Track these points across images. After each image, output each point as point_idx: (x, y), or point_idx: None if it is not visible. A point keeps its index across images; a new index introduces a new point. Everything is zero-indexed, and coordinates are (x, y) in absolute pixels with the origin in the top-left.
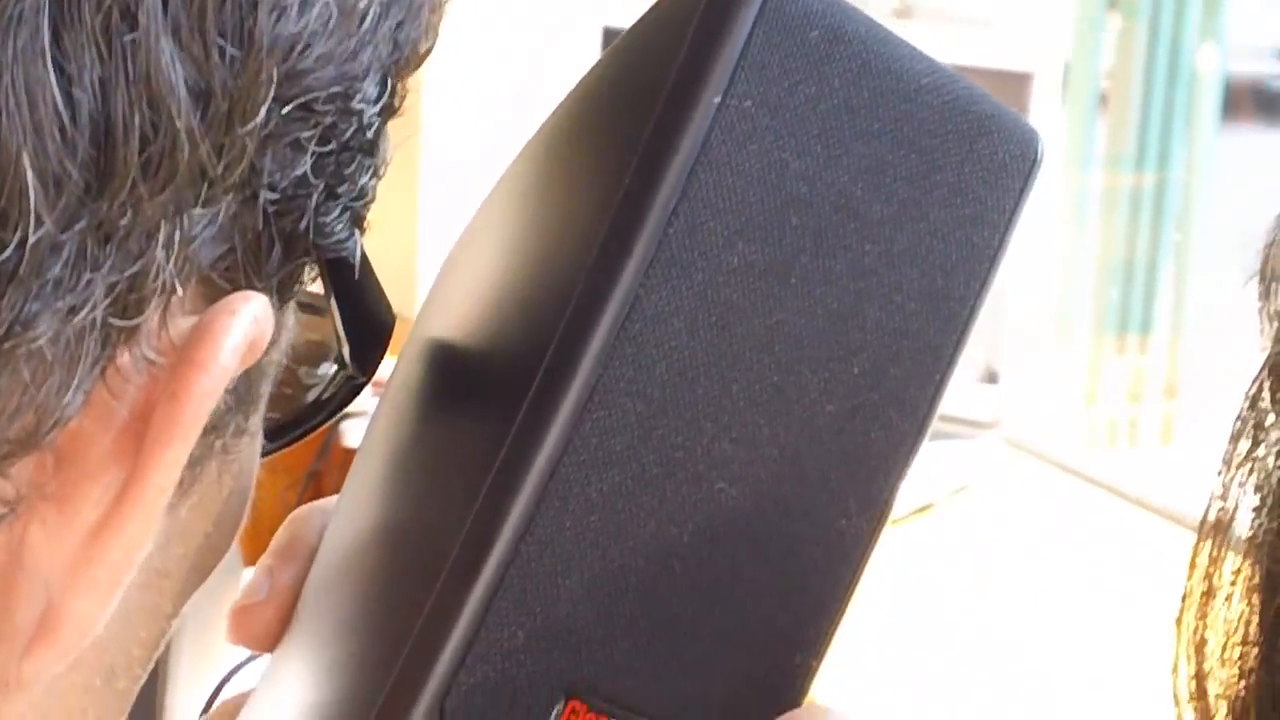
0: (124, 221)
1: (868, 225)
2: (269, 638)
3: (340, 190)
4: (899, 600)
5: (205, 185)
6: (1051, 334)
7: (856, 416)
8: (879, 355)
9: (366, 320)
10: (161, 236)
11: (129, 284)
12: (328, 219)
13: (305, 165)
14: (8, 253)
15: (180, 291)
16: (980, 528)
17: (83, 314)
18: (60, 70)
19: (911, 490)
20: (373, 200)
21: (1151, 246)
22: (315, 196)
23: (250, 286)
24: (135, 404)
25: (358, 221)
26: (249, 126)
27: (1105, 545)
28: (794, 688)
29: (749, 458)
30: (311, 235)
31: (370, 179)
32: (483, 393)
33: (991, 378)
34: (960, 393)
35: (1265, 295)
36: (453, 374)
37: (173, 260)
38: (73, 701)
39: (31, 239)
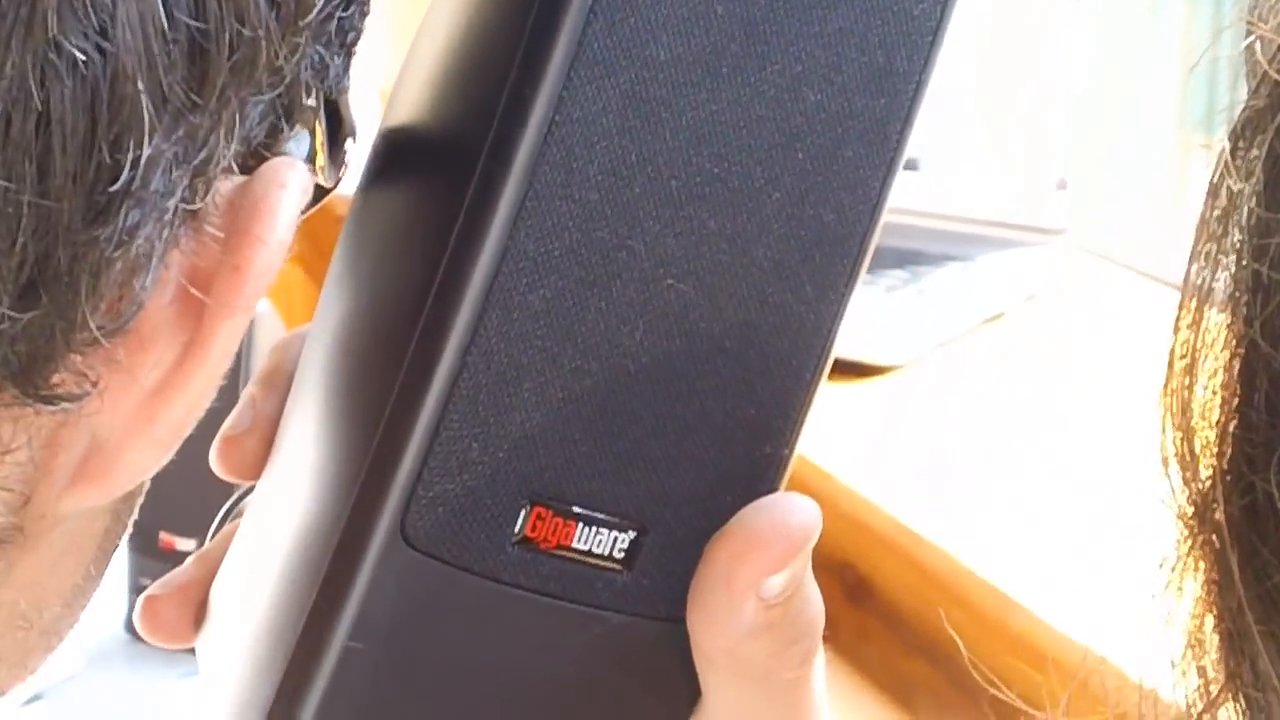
0: (209, 122)
1: (799, 7)
2: (254, 466)
3: (351, 41)
4: (971, 410)
5: (272, 76)
6: (1122, 136)
7: (805, 202)
8: (823, 139)
9: (340, 133)
10: (225, 125)
11: (199, 170)
12: (343, 70)
13: (334, 35)
14: (125, 173)
15: (234, 169)
16: (1052, 335)
17: (169, 212)
18: None
19: (980, 300)
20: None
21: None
22: (339, 59)
23: (278, 142)
24: (193, 273)
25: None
26: (308, 19)
27: None
28: (767, 478)
29: (696, 252)
30: (330, 88)
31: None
32: (422, 205)
33: (1060, 184)
34: (1029, 199)
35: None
36: (397, 190)
37: (234, 143)
38: (98, 526)
39: (145, 158)
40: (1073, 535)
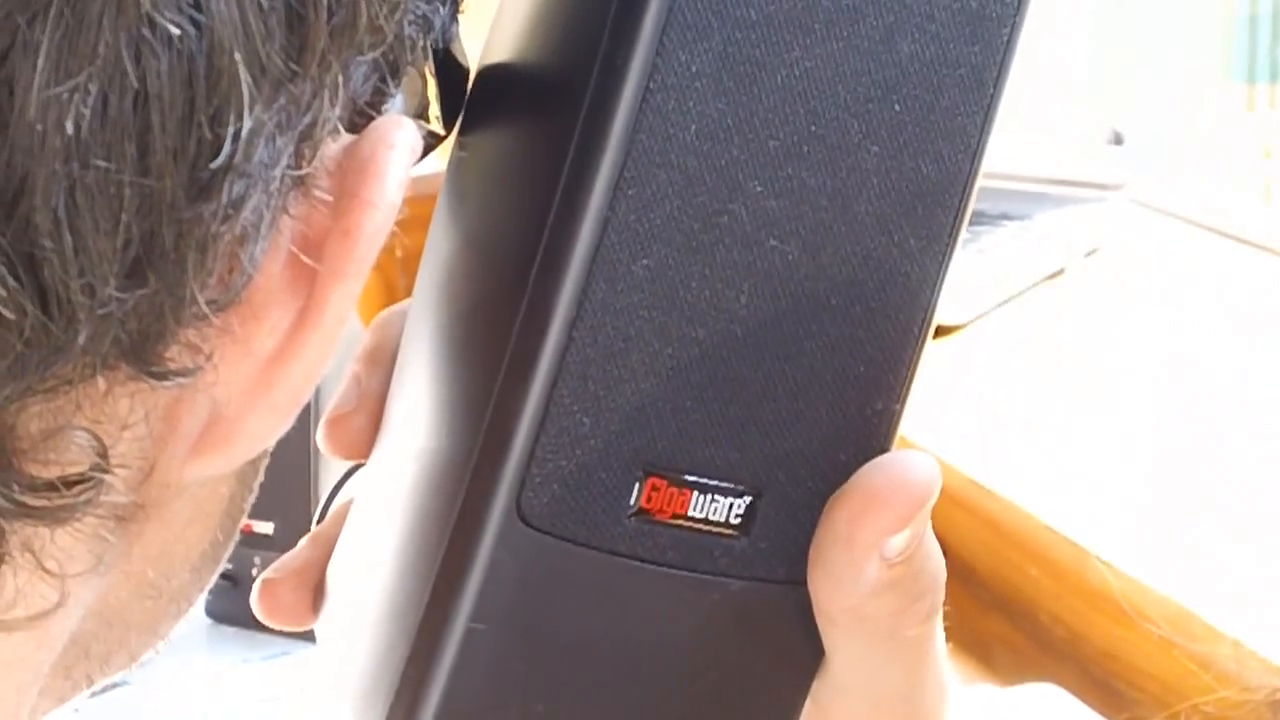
0: (312, 89)
1: None
2: (363, 445)
3: None
4: (1035, 367)
5: (374, 36)
6: (1178, 89)
7: (904, 155)
8: (919, 89)
9: (453, 79)
10: (329, 89)
11: (304, 136)
12: (449, 19)
13: None
14: (226, 147)
15: (340, 131)
16: (1112, 290)
17: (275, 180)
18: None
19: (1040, 257)
20: None
21: None
22: (444, 8)
23: (385, 100)
24: (304, 238)
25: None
26: None
27: (1241, 299)
28: (880, 435)
29: (797, 212)
30: (437, 39)
31: None
32: (520, 181)
33: (1117, 139)
34: (1085, 155)
35: None
36: (493, 162)
37: (339, 106)
38: (223, 492)
39: (245, 130)
40: (1142, 486)
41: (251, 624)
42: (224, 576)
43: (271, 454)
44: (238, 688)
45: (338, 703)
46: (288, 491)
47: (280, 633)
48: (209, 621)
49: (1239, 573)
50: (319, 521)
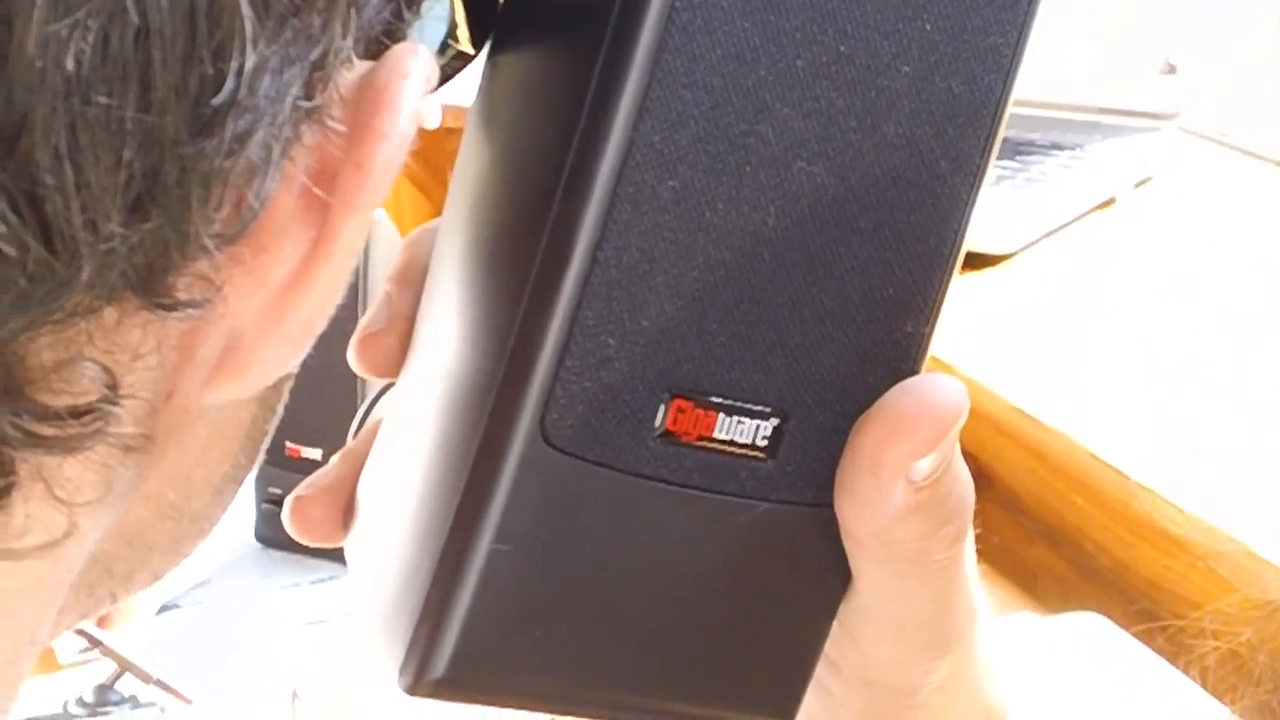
0: (319, 21)
1: None
2: (393, 364)
3: None
4: (1084, 296)
5: None
6: (1232, 18)
7: (935, 74)
8: (950, 8)
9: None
10: (340, 19)
11: (313, 68)
12: None
13: None
14: (229, 83)
15: (354, 60)
16: (1163, 219)
17: (283, 114)
18: None
19: (1091, 186)
20: None
21: None
22: None
23: (402, 28)
24: (316, 169)
25: None
26: None
27: None
28: (909, 358)
29: (826, 133)
30: None
31: None
32: (546, 97)
33: (1170, 68)
34: (1137, 84)
35: None
36: (520, 78)
37: (351, 36)
38: (245, 415)
39: (249, 66)
40: (1191, 417)
41: (300, 549)
42: (272, 501)
43: (318, 381)
44: (286, 611)
45: (367, 622)
46: (335, 417)
47: (328, 557)
48: (258, 546)
49: None
50: (354, 434)
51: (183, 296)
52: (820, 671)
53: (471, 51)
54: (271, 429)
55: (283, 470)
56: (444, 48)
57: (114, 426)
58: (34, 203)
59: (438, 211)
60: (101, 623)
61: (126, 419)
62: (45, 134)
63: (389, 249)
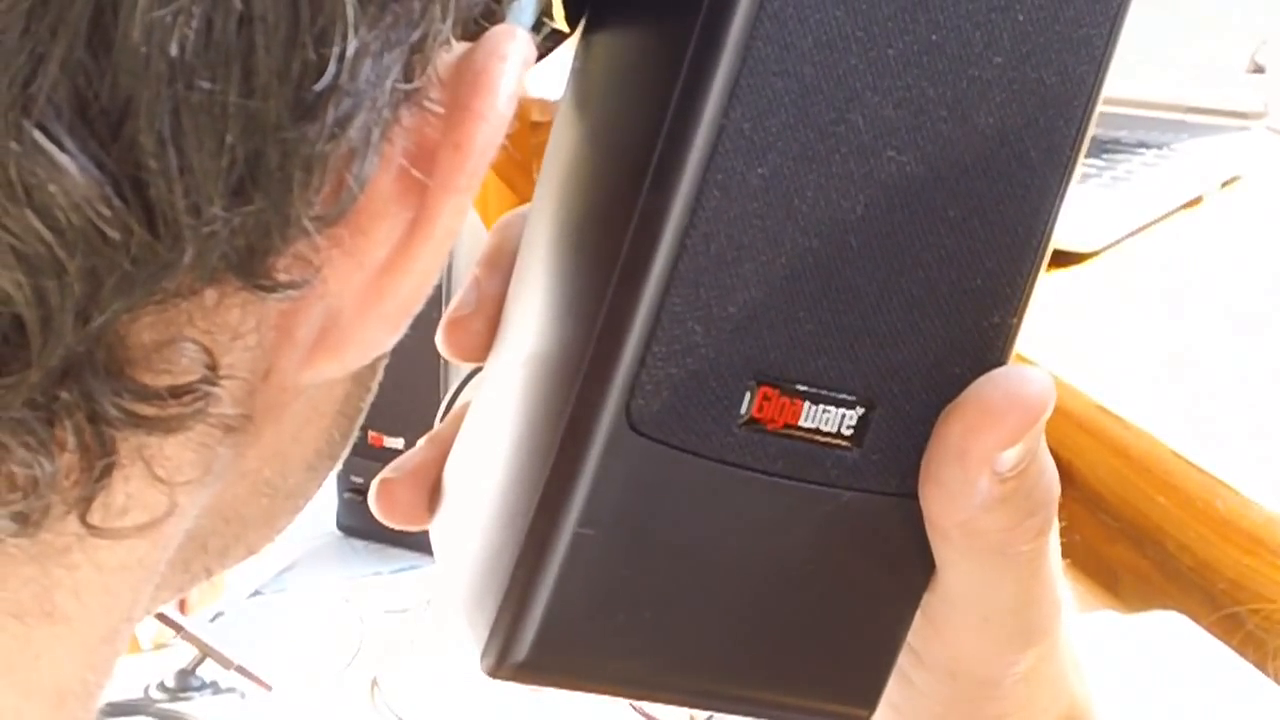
0: (419, 4)
1: None
2: (481, 349)
3: None
4: (1170, 295)
5: None
6: None
7: (1026, 65)
8: None
9: None
10: (439, 2)
11: (412, 50)
12: None
13: None
14: (331, 68)
15: (452, 42)
16: (1251, 219)
17: (383, 97)
18: None
19: (1177, 185)
20: None
21: None
22: None
23: (497, 10)
24: (414, 151)
25: None
26: None
27: None
28: (996, 348)
29: (916, 122)
30: None
31: None
32: (637, 84)
33: (1258, 68)
34: (1225, 84)
35: None
36: (613, 64)
37: (449, 18)
38: (338, 392)
39: (350, 51)
40: (1275, 416)
41: (382, 537)
42: (355, 490)
43: (401, 370)
44: (367, 599)
45: (451, 605)
46: (418, 406)
47: (410, 546)
48: (340, 535)
49: None
50: (442, 417)
51: (282, 278)
52: (903, 662)
53: (566, 29)
54: (366, 406)
55: (365, 459)
56: (538, 25)
57: (214, 406)
58: (138, 187)
59: (522, 204)
60: (182, 607)
61: (226, 399)
62: (149, 119)
63: (472, 239)
